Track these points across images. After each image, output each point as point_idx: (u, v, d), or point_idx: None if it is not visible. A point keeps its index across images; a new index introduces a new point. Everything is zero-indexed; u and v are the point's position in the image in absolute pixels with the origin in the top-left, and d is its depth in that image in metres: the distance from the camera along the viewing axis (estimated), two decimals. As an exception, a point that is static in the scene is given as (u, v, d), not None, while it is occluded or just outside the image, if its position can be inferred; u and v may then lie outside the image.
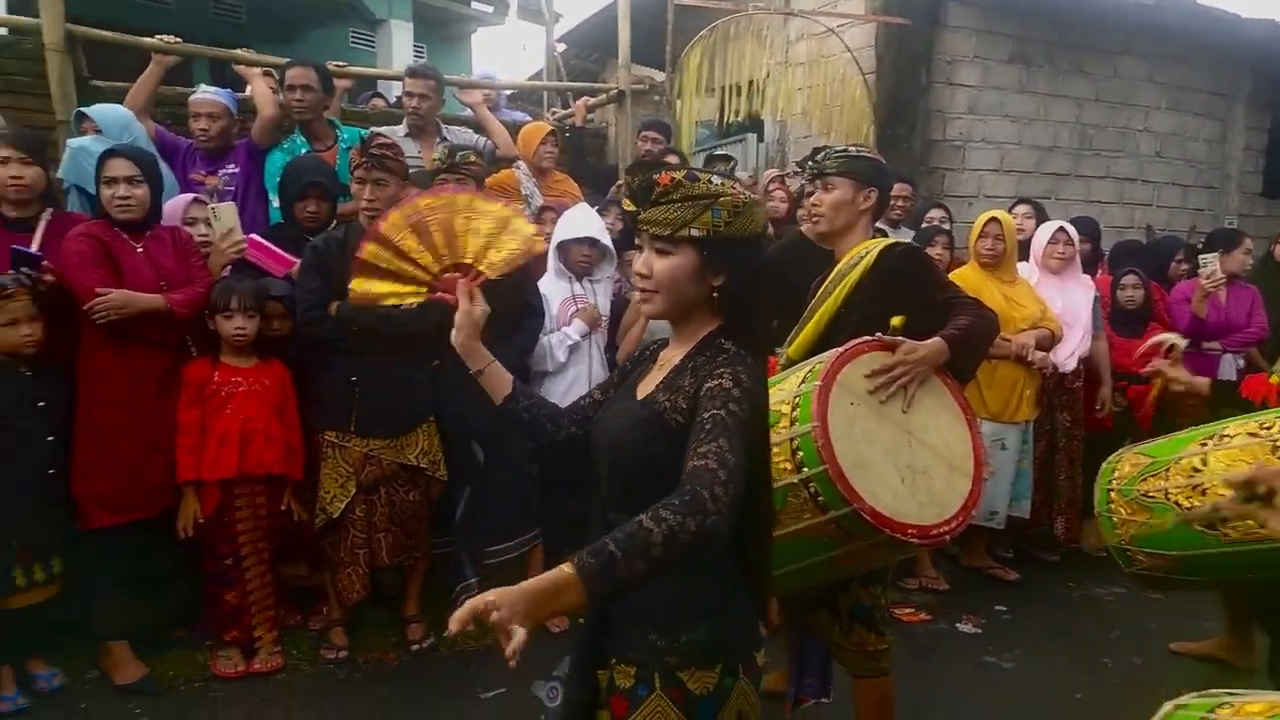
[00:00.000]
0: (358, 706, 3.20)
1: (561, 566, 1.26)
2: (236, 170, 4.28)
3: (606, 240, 3.97)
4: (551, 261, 3.93)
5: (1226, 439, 2.53)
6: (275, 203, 4.07)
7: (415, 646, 3.56)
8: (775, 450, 2.12)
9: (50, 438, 3.08)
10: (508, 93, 7.31)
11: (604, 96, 5.58)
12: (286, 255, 3.66)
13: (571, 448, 1.84)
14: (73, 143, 3.78)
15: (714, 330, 1.61)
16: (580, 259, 3.94)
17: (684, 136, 5.76)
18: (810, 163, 2.67)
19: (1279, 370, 2.96)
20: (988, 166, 6.45)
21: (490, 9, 10.77)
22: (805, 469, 2.06)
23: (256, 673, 3.32)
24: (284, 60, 4.52)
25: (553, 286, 3.92)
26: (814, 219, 2.77)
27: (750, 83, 5.98)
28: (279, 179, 3.99)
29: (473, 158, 3.65)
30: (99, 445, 3.16)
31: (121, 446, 3.18)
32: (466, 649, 3.60)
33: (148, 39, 4.39)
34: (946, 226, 4.84)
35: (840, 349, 2.25)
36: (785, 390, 2.24)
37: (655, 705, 1.53)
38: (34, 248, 3.21)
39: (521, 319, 3.70)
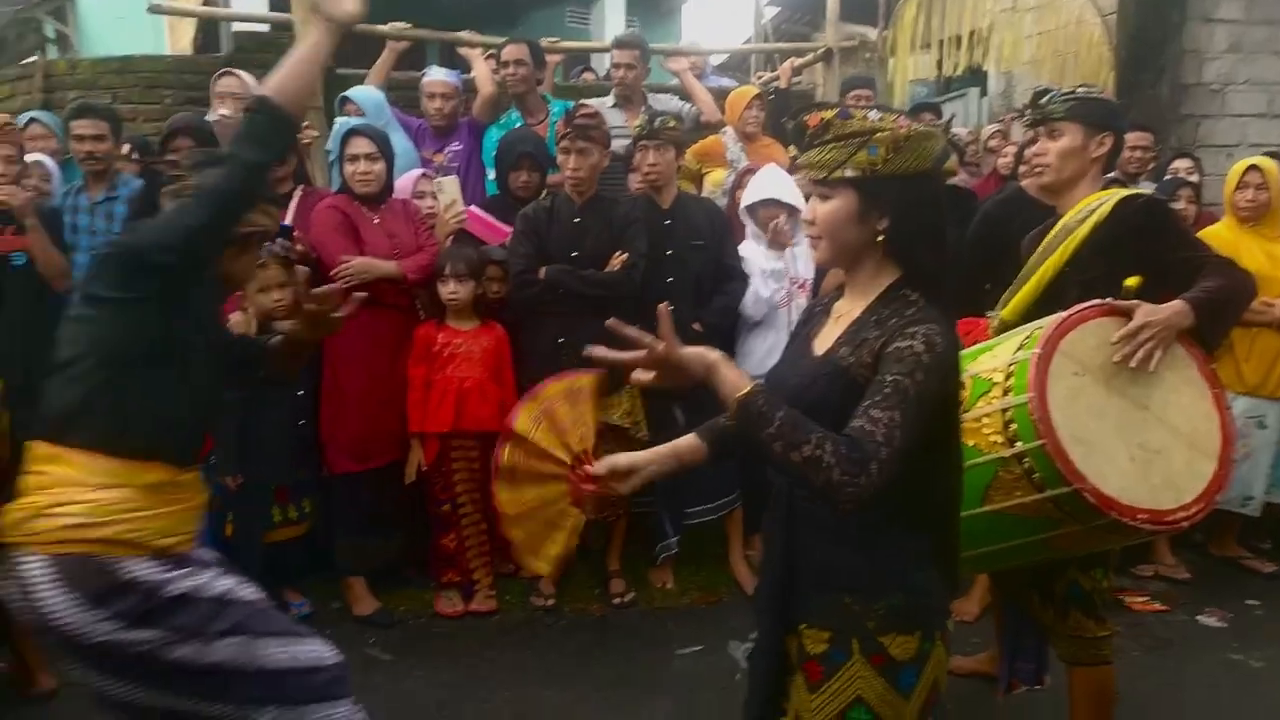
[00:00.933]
0: (562, 652, 3.36)
1: (743, 380, 1.37)
2: (460, 147, 4.55)
3: (795, 200, 3.88)
4: (747, 225, 3.90)
5: None
6: (492, 175, 4.29)
7: (616, 600, 3.69)
8: (985, 420, 2.00)
9: (300, 392, 3.43)
10: (715, 60, 7.29)
11: (811, 56, 5.43)
12: (501, 225, 3.86)
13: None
14: (338, 121, 4.16)
15: (896, 281, 1.52)
16: (768, 219, 3.87)
17: (896, 94, 5.51)
18: (1034, 108, 2.45)
19: None
20: (1252, 111, 5.70)
21: (701, -22, 10.75)
22: (1019, 443, 1.92)
23: (473, 613, 3.57)
24: (502, 40, 4.73)
25: (752, 250, 3.89)
26: (1037, 170, 2.56)
27: (972, 33, 5.62)
28: (495, 152, 4.20)
29: (672, 123, 3.69)
30: (341, 399, 3.49)
31: (360, 400, 3.48)
32: (666, 606, 3.69)
33: (382, 27, 4.74)
34: (1193, 178, 4.34)
35: (1064, 314, 2.07)
36: (999, 357, 2.09)
37: (856, 670, 1.49)
38: (287, 221, 3.57)
39: (721, 282, 3.70)
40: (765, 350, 3.83)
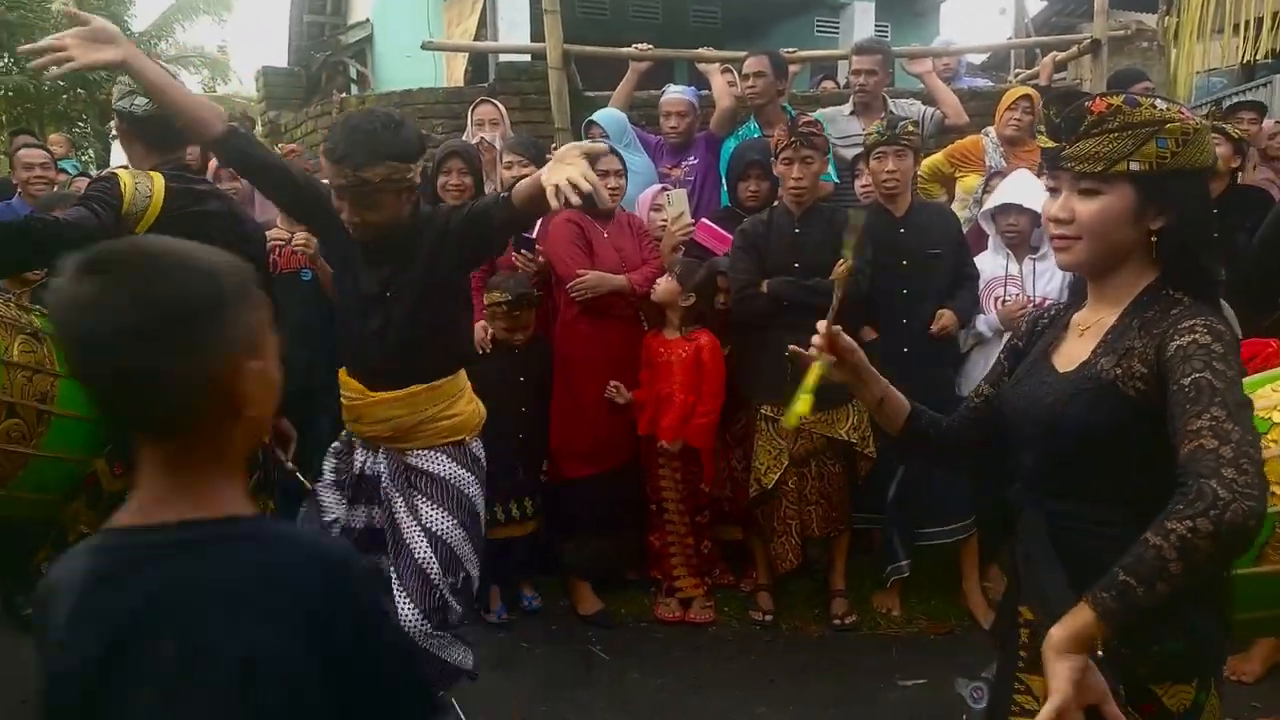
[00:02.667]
0: (778, 670, 3.30)
1: (1078, 610, 1.16)
2: (696, 161, 4.63)
3: (1037, 207, 3.57)
4: (990, 234, 3.66)
5: None
6: (725, 185, 4.33)
7: (837, 621, 3.57)
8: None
9: (524, 409, 3.62)
10: (972, 60, 6.91)
11: (1075, 49, 4.99)
12: (730, 236, 3.88)
13: (980, 454, 1.70)
14: None
15: (1153, 282, 1.37)
16: (1007, 228, 3.61)
17: (1180, 86, 4.93)
18: None
19: None
20: None
21: (960, -24, 10.24)
22: None
23: (690, 622, 3.60)
24: (743, 54, 4.76)
25: (989, 261, 3.65)
26: None
27: (1276, 13, 4.92)
28: (728, 161, 4.23)
29: (911, 128, 3.53)
30: (573, 405, 3.65)
31: (591, 406, 3.63)
32: (890, 633, 3.53)
33: (624, 49, 4.94)
34: None
35: None
36: None
37: None
38: (532, 235, 3.80)
39: (955, 287, 3.52)
40: (986, 369, 3.57)
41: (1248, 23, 5.21)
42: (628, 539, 3.81)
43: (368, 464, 2.58)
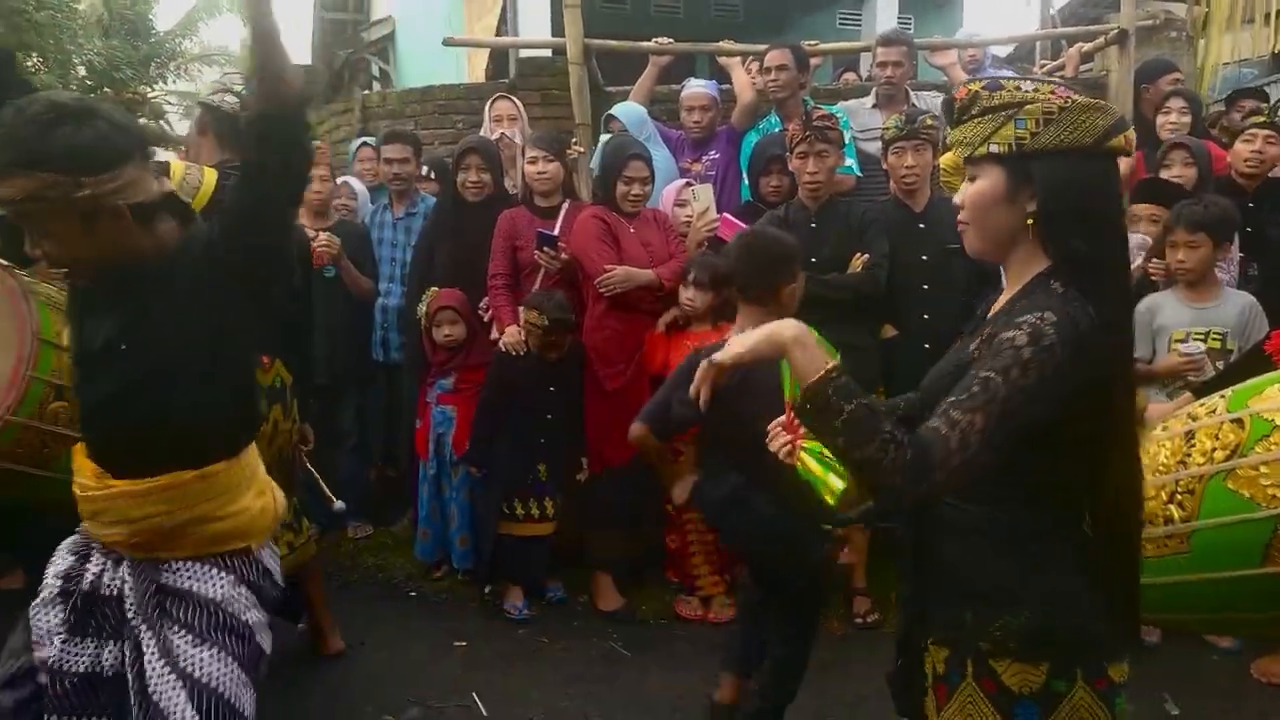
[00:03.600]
0: (800, 667, 3.29)
1: (828, 361, 1.24)
2: (717, 156, 4.60)
3: None
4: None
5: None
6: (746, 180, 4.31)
7: (859, 619, 3.56)
8: (1264, 470, 1.72)
9: (549, 415, 3.63)
10: (998, 52, 6.82)
11: (1102, 40, 4.91)
12: (751, 231, 3.86)
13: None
14: (604, 139, 4.40)
15: (1043, 271, 1.35)
16: None
17: (1207, 76, 4.86)
18: None
19: None
20: None
21: (984, -34, 10.13)
22: None
23: (711, 620, 3.59)
24: (764, 48, 4.73)
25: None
26: None
27: (1309, 2, 4.83)
28: (750, 156, 4.21)
29: (929, 122, 3.50)
30: (603, 400, 3.65)
31: (620, 399, 3.62)
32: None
33: (645, 44, 4.92)
34: None
35: None
36: None
37: (967, 694, 1.34)
38: (555, 231, 3.80)
39: (979, 287, 3.46)
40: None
41: (1278, 13, 5.11)
42: (650, 536, 3.80)
43: (106, 578, 1.76)
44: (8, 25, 11.63)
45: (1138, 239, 3.43)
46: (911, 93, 4.60)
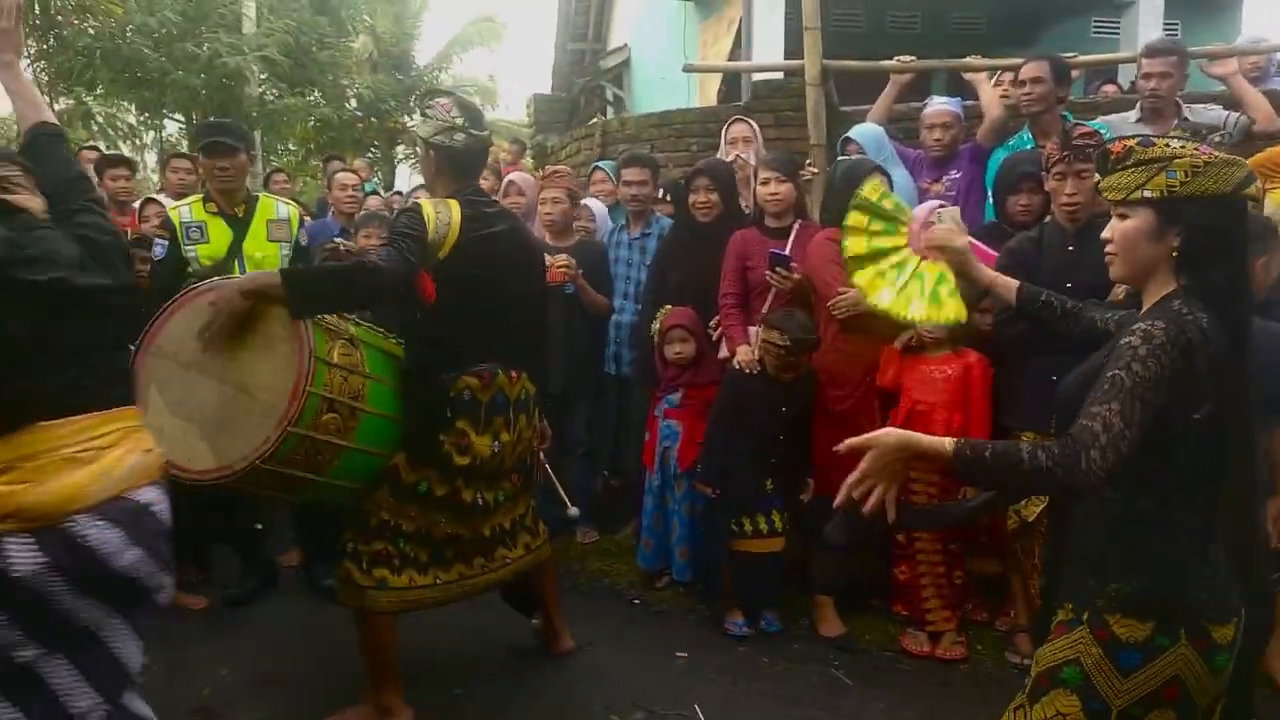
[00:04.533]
0: (1038, 718, 3.08)
1: (945, 440, 1.57)
2: (959, 175, 4.44)
3: None
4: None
5: None
6: (990, 198, 4.12)
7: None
8: None
9: (781, 437, 3.63)
10: (1285, 58, 6.13)
11: None
12: (994, 254, 3.68)
13: (1093, 337, 2.03)
14: (840, 161, 4.37)
15: (1170, 292, 1.65)
16: None
17: None
18: None
19: None
20: None
21: (1269, -36, 9.12)
22: None
23: (939, 658, 3.44)
24: (1016, 61, 4.51)
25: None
26: None
27: None
28: (996, 174, 4.02)
29: (1217, 139, 3.22)
30: (831, 420, 3.60)
31: (847, 422, 3.57)
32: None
33: (885, 62, 4.84)
34: None
35: None
36: None
37: (1080, 635, 1.64)
38: (787, 251, 3.81)
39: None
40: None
41: None
42: (873, 561, 3.71)
43: None
44: (296, 64, 13.15)
45: None
46: (1183, 105, 4.23)
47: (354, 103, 15.51)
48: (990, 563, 3.67)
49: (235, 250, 3.87)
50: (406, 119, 15.84)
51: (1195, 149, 1.60)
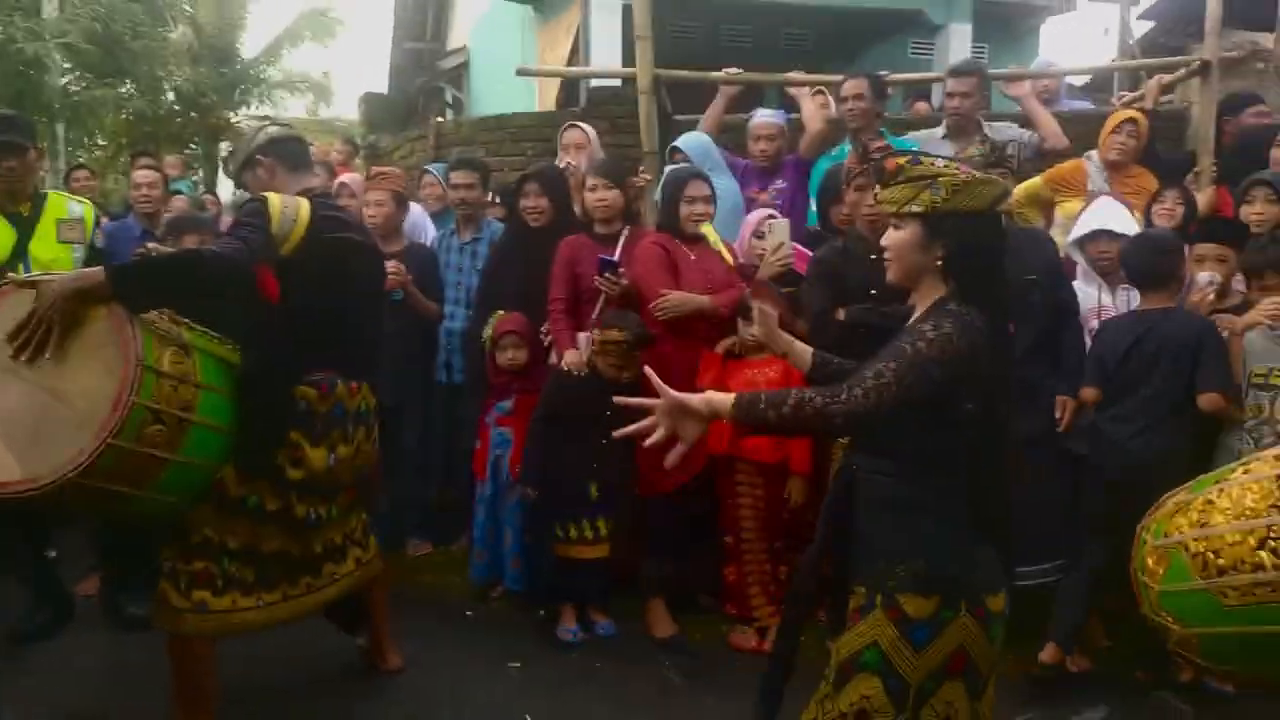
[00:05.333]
0: (857, 706, 3.22)
1: (726, 396, 1.73)
2: (784, 185, 4.60)
3: (1128, 232, 3.46)
4: (1079, 263, 3.54)
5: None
6: (814, 207, 4.28)
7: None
8: None
9: (604, 441, 3.60)
10: (1074, 81, 6.70)
11: (1183, 71, 4.78)
12: (817, 259, 3.83)
13: None
14: (667, 170, 4.43)
15: (943, 297, 1.79)
16: (1099, 256, 3.51)
17: (1297, 108, 4.68)
18: None
19: None
20: None
21: (1059, -4, 9.97)
22: None
23: (768, 652, 3.53)
24: (837, 77, 4.71)
25: (1080, 292, 3.52)
26: None
27: None
28: (820, 183, 4.18)
29: (1010, 152, 3.48)
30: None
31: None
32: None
33: (714, 73, 4.95)
34: None
35: None
36: None
37: (876, 618, 1.75)
38: (615, 257, 3.83)
39: (1057, 321, 3.38)
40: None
41: (1375, 43, 4.92)
42: (702, 563, 3.77)
43: None
44: (106, 53, 12.22)
45: (1205, 277, 3.34)
46: (984, 123, 4.54)
47: (172, 96, 14.55)
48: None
49: (19, 252, 3.53)
50: (231, 114, 15.02)
51: (957, 168, 1.75)
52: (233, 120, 15.33)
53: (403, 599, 4.05)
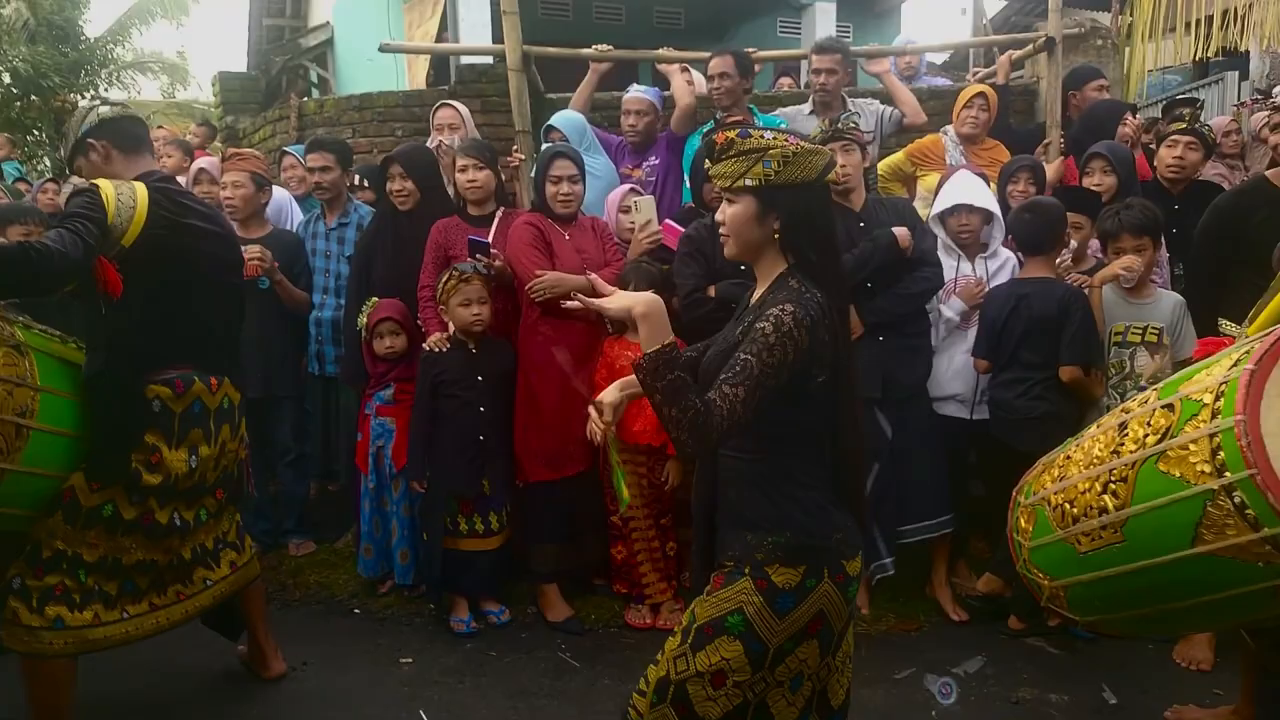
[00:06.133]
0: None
1: (661, 340, 1.63)
2: (658, 162, 4.61)
3: (989, 205, 3.63)
4: (940, 235, 3.69)
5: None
6: (688, 183, 4.31)
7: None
8: (1193, 447, 1.76)
9: (482, 408, 3.58)
10: (933, 59, 6.95)
11: (1030, 48, 5.02)
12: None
13: None
14: (544, 148, 4.36)
15: (785, 270, 1.80)
16: (959, 229, 3.66)
17: (1134, 83, 4.99)
18: None
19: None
20: None
21: (919, -25, 10.34)
22: (1228, 473, 1.67)
23: (661, 628, 3.58)
24: (704, 54, 4.74)
25: (942, 263, 3.66)
26: None
27: (1225, 12, 5.00)
28: (692, 160, 4.21)
29: (853, 124, 3.59)
30: (535, 409, 3.61)
31: (553, 410, 3.59)
32: (858, 631, 3.52)
33: (584, 50, 4.91)
34: None
35: None
36: (1213, 375, 1.83)
37: (742, 585, 1.77)
38: (489, 239, 3.76)
39: (914, 267, 3.51)
40: (951, 371, 3.64)
41: (1198, 21, 5.29)
42: (593, 545, 3.78)
43: None
44: (-75, 31, 11.19)
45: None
46: (848, 99, 4.66)
47: (8, 78, 13.46)
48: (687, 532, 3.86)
49: None
50: (78, 97, 14.00)
51: (786, 139, 1.74)
52: (79, 103, 14.29)
53: (288, 600, 3.93)
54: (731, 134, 1.75)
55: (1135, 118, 4.49)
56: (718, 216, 1.87)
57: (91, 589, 2.59)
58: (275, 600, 3.81)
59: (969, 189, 3.64)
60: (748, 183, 1.74)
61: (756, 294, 1.86)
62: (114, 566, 2.63)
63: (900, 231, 3.43)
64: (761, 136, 1.74)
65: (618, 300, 1.76)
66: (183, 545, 2.81)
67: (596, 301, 1.80)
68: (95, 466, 2.55)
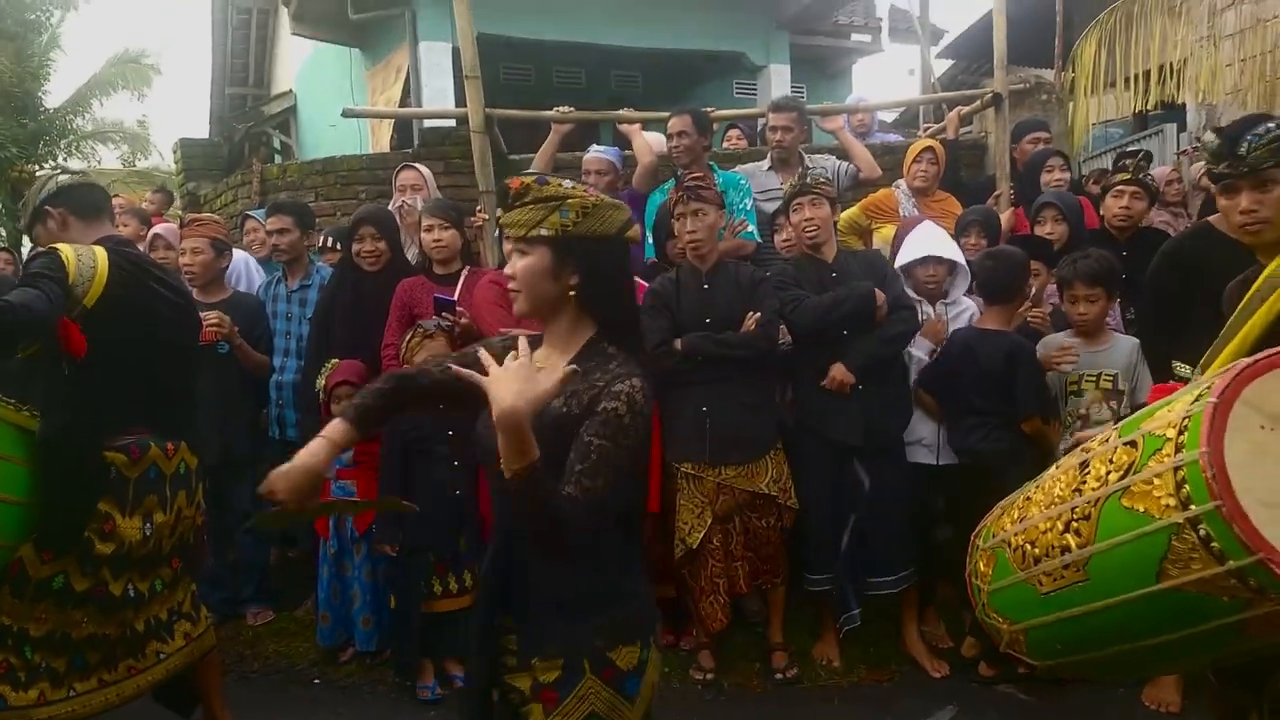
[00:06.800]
0: (721, 730, 3.23)
1: (534, 454, 1.41)
2: (620, 219, 4.65)
3: (954, 256, 3.70)
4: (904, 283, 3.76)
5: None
6: (650, 239, 4.35)
7: (779, 675, 3.52)
8: (1157, 482, 1.76)
9: (455, 463, 3.54)
10: (884, 116, 7.15)
11: (978, 104, 5.19)
12: (655, 291, 3.89)
13: None
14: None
15: (594, 335, 1.66)
16: (926, 279, 3.71)
17: (1078, 135, 5.16)
18: (1231, 158, 2.18)
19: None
20: None
21: (868, 39, 10.68)
22: (1193, 506, 1.68)
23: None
24: (663, 114, 4.83)
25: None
26: (1252, 227, 2.27)
27: (1162, 67, 5.21)
28: (654, 217, 4.26)
29: (825, 178, 3.65)
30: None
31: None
32: (832, 684, 3.49)
33: (545, 112, 4.98)
34: None
35: (1248, 359, 1.81)
36: (1175, 411, 1.85)
37: (588, 686, 1.59)
38: (455, 297, 3.76)
39: (890, 311, 3.53)
40: (916, 415, 3.66)
41: (1137, 76, 5.50)
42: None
43: None
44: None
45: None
46: (806, 156, 4.76)
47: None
48: (666, 588, 3.80)
49: None
50: (36, 167, 13.92)
51: (585, 191, 1.63)
52: (37, 174, 14.21)
53: (246, 671, 3.81)
54: (529, 180, 1.63)
55: (1060, 161, 4.63)
56: (507, 269, 1.66)
57: (37, 666, 2.49)
58: (232, 671, 3.68)
59: (936, 241, 3.71)
60: (543, 232, 1.59)
61: (548, 358, 1.67)
62: (62, 641, 2.53)
63: (881, 295, 3.47)
64: (560, 185, 1.62)
65: (488, 385, 1.46)
66: (136, 618, 2.72)
67: (476, 376, 1.50)
68: (47, 534, 2.47)
